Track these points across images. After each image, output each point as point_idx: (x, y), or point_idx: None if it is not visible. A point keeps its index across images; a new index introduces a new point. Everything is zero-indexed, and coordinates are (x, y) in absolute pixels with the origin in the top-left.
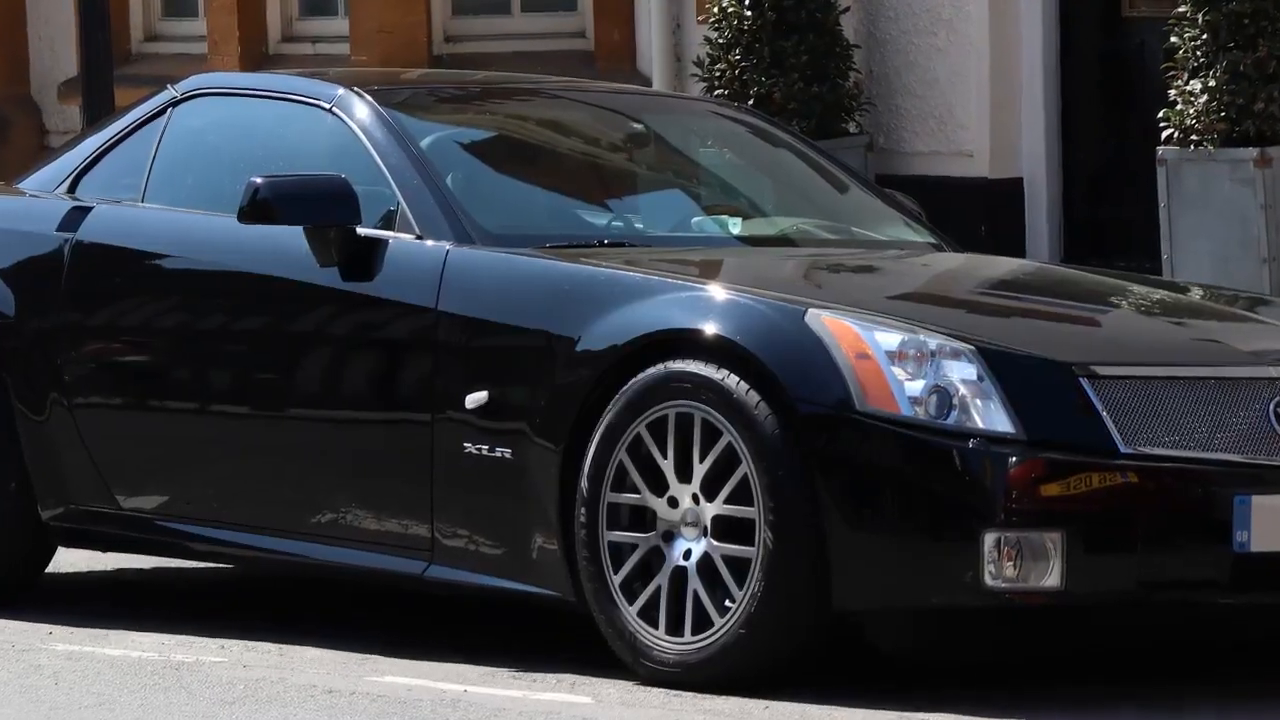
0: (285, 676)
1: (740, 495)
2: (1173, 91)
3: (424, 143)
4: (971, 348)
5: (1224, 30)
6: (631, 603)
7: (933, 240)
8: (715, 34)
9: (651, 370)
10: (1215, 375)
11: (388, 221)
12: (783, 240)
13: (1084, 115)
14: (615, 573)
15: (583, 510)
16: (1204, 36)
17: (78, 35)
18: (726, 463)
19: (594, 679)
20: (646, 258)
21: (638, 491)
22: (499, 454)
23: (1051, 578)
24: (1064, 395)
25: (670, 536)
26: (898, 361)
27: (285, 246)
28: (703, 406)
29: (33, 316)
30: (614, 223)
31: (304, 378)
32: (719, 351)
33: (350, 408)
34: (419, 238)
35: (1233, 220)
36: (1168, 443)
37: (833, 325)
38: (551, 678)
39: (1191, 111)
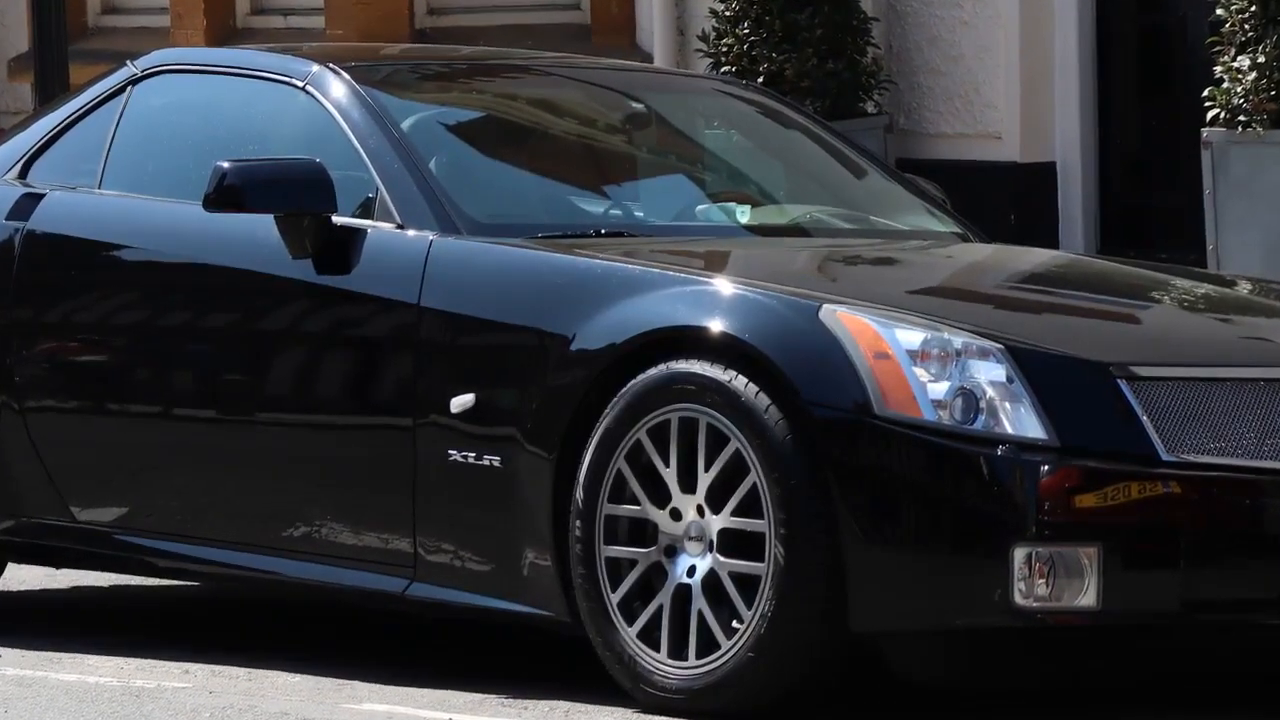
0: (255, 704)
1: (749, 507)
2: (1219, 68)
3: (405, 124)
4: (1000, 347)
5: (1274, 1)
6: (631, 623)
7: (958, 230)
8: (722, 6)
9: (652, 371)
10: (1265, 376)
11: (366, 209)
12: (795, 230)
13: (1122, 94)
14: (613, 591)
15: (578, 523)
16: (1252, 9)
17: (29, 7)
18: (734, 471)
19: (590, 706)
20: (647, 249)
21: (637, 503)
22: (487, 462)
23: (1087, 596)
24: (1100, 398)
25: (673, 551)
26: (920, 362)
27: (255, 237)
28: (708, 410)
29: None
30: (612, 211)
31: (275, 379)
32: (726, 351)
33: (326, 412)
34: (400, 227)
35: None
36: (1213, 450)
37: (849, 322)
38: (544, 705)
39: (1239, 90)
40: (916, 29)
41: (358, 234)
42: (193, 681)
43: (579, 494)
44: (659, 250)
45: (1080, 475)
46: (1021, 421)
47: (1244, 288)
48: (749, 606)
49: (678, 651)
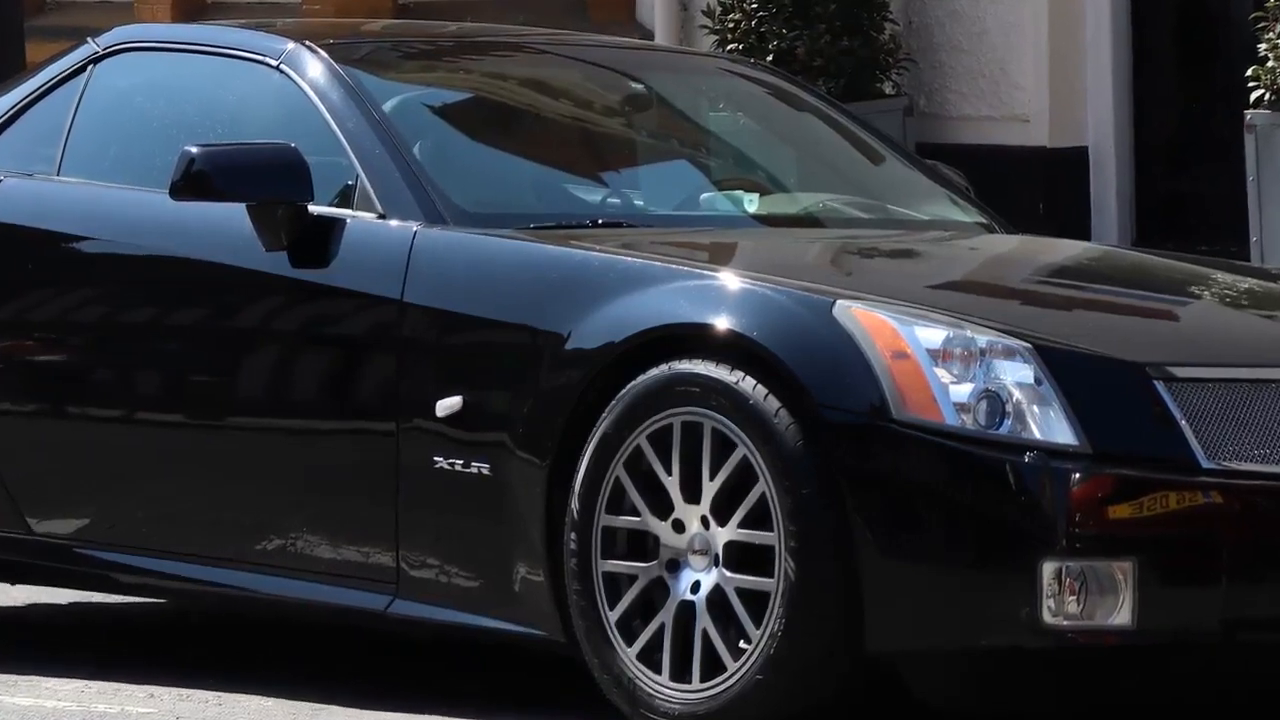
0: None
1: (757, 518)
2: (1263, 46)
3: (387, 106)
4: (1028, 346)
5: None
6: (630, 643)
7: (982, 220)
8: None
9: (653, 372)
10: None
11: (345, 198)
12: (807, 220)
13: (1159, 74)
14: (611, 608)
15: (573, 535)
16: None
17: None
18: (741, 480)
19: None
20: (647, 240)
21: (637, 513)
22: (475, 469)
23: (1121, 614)
24: (1136, 401)
25: (675, 566)
26: (941, 362)
27: (225, 227)
28: (713, 414)
29: None
30: (610, 200)
31: (248, 381)
32: (732, 350)
33: (302, 416)
34: (381, 217)
35: None
36: (1257, 457)
37: (865, 319)
38: None
39: None
40: (937, 3)
41: (336, 224)
42: (158, 706)
43: (574, 504)
44: (660, 242)
45: (1114, 484)
46: (1051, 426)
47: None
48: (757, 625)
49: (680, 673)
